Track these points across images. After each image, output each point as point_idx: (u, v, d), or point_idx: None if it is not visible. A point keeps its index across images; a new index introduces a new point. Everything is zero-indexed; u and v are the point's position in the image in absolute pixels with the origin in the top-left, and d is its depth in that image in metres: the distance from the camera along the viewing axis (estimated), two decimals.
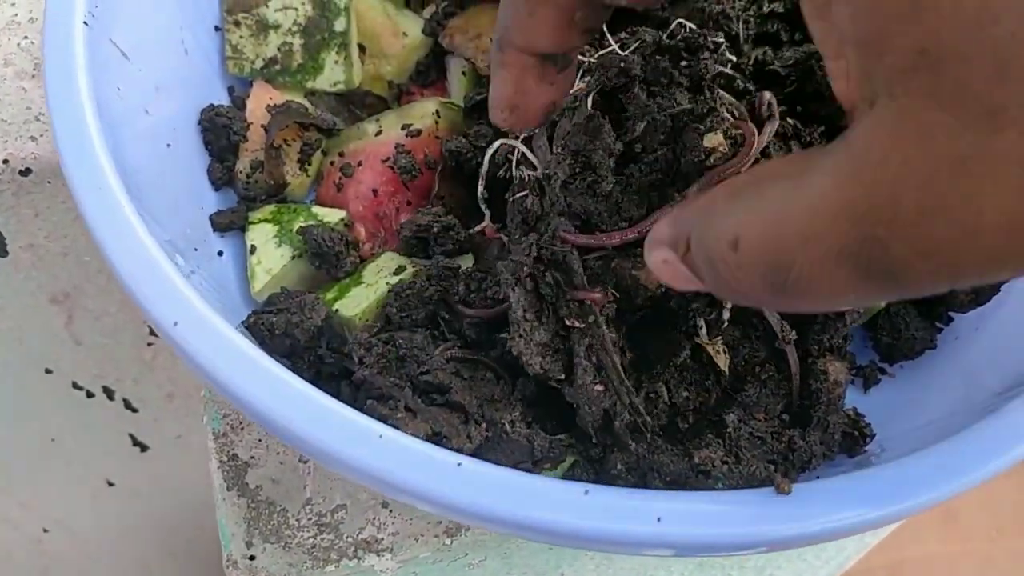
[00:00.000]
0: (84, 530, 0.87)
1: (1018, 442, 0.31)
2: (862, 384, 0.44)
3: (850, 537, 0.57)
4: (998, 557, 1.29)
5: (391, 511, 0.42)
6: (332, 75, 0.47)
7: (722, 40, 0.40)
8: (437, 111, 0.45)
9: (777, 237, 0.23)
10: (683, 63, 0.39)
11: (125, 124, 0.39)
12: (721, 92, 0.38)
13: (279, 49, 0.47)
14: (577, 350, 0.35)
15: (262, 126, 0.45)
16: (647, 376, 0.37)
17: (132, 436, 0.75)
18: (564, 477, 0.37)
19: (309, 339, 0.39)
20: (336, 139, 0.47)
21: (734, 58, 0.40)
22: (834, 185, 0.21)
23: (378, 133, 0.45)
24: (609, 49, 0.39)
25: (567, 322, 0.36)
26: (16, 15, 0.53)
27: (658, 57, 0.39)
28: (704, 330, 0.37)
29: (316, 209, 0.44)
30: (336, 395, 0.32)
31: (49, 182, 0.51)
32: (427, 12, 0.50)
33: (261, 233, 0.43)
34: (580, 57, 0.39)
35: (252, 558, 0.41)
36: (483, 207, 0.43)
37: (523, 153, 0.39)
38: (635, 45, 0.39)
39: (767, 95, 0.38)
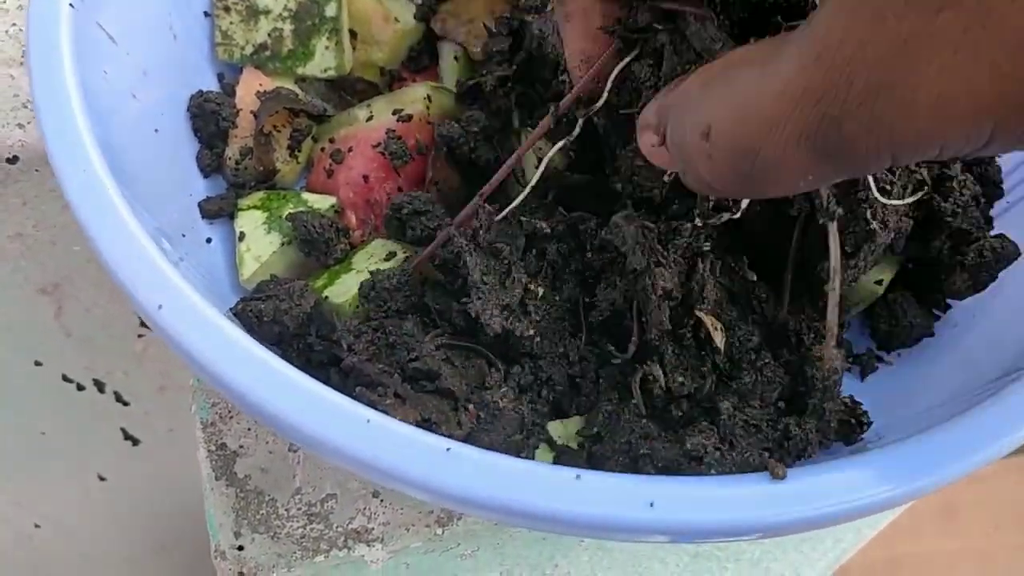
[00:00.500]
0: (76, 525, 0.86)
1: (1015, 427, 0.31)
2: (859, 372, 0.44)
3: (847, 528, 0.57)
4: (996, 553, 1.29)
5: (382, 501, 0.42)
6: (323, 61, 0.46)
7: None
8: (428, 96, 0.44)
9: (744, 124, 0.24)
10: None
11: (112, 108, 0.38)
12: None
13: (269, 35, 0.46)
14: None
15: (252, 112, 0.45)
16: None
17: (123, 430, 0.74)
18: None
19: (298, 326, 0.39)
20: (326, 125, 0.46)
21: None
22: (797, 69, 0.22)
23: (369, 119, 0.45)
24: None
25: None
26: (4, 2, 0.52)
27: None
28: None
29: (306, 196, 0.44)
30: (326, 383, 0.31)
31: (37, 170, 0.50)
32: None
33: (250, 220, 0.43)
34: None
35: (241, 548, 0.41)
36: None
37: None
38: None
39: None
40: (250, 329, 0.38)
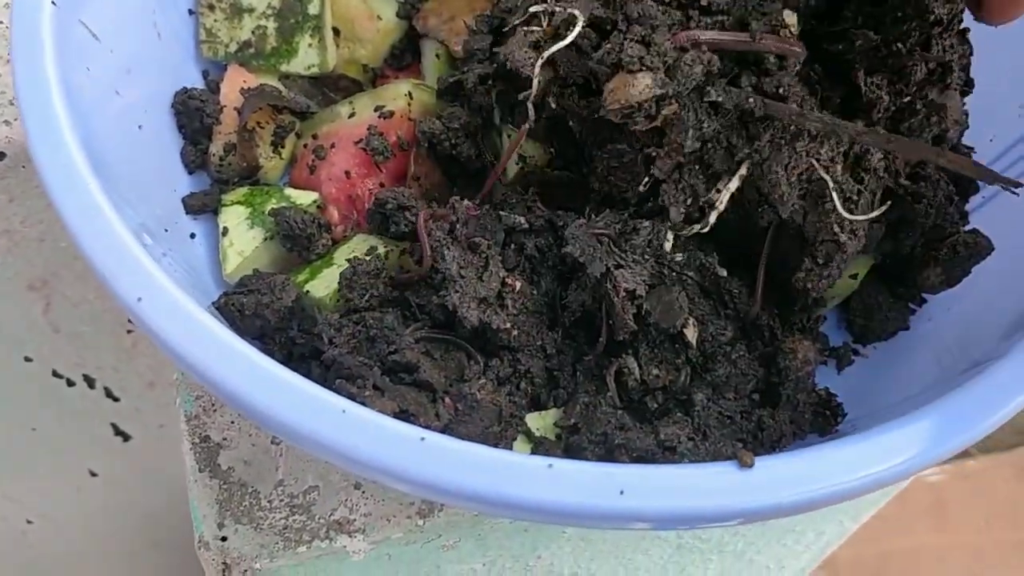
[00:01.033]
0: (68, 521, 0.87)
1: (982, 415, 0.31)
2: (836, 365, 0.44)
3: (828, 520, 0.57)
4: (986, 548, 1.29)
5: (363, 492, 0.42)
6: (306, 58, 0.47)
7: None
8: (409, 93, 0.45)
9: None
10: None
11: (95, 105, 0.39)
12: None
13: (253, 32, 0.47)
14: None
15: (236, 109, 0.45)
16: None
17: (114, 425, 0.74)
18: None
19: (280, 320, 0.39)
20: (310, 122, 0.47)
21: None
22: None
23: (351, 115, 0.45)
24: None
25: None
26: None
27: None
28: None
29: (289, 191, 0.44)
30: (307, 375, 0.32)
31: (24, 166, 0.51)
32: None
33: (233, 215, 0.43)
34: None
35: (224, 539, 0.41)
36: None
37: None
38: None
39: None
40: (232, 323, 0.39)
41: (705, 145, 0.37)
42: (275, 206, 0.43)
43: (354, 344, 0.39)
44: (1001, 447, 1.31)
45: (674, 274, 0.37)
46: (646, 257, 0.37)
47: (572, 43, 0.37)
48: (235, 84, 0.46)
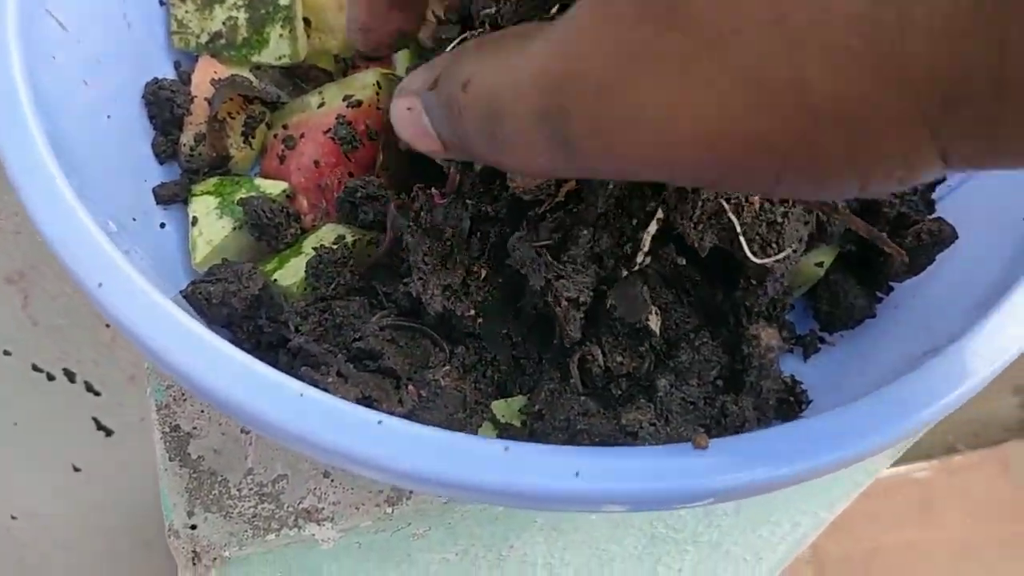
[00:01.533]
0: (53, 516, 0.87)
1: (934, 399, 0.32)
2: (802, 353, 0.44)
3: (803, 512, 0.58)
4: (973, 544, 1.30)
5: (332, 481, 0.42)
6: (277, 49, 0.47)
7: None
8: (378, 82, 0.45)
9: (496, 85, 0.24)
10: None
11: (62, 94, 0.39)
12: None
13: (224, 23, 0.47)
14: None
15: (206, 99, 0.45)
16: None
17: (96, 420, 0.75)
18: None
19: (247, 308, 0.39)
20: (280, 112, 0.47)
21: None
22: (546, 51, 0.22)
23: (320, 105, 0.45)
24: None
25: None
26: None
27: None
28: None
29: (258, 181, 0.44)
30: (274, 364, 0.32)
31: None
32: None
33: (203, 205, 0.43)
34: None
35: (193, 527, 0.41)
36: None
37: None
38: None
39: None
40: (200, 311, 0.39)
41: (619, 200, 0.37)
42: (244, 195, 0.43)
43: (320, 332, 0.39)
44: (987, 443, 1.32)
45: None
46: (586, 265, 0.37)
47: None
48: (206, 75, 0.46)
